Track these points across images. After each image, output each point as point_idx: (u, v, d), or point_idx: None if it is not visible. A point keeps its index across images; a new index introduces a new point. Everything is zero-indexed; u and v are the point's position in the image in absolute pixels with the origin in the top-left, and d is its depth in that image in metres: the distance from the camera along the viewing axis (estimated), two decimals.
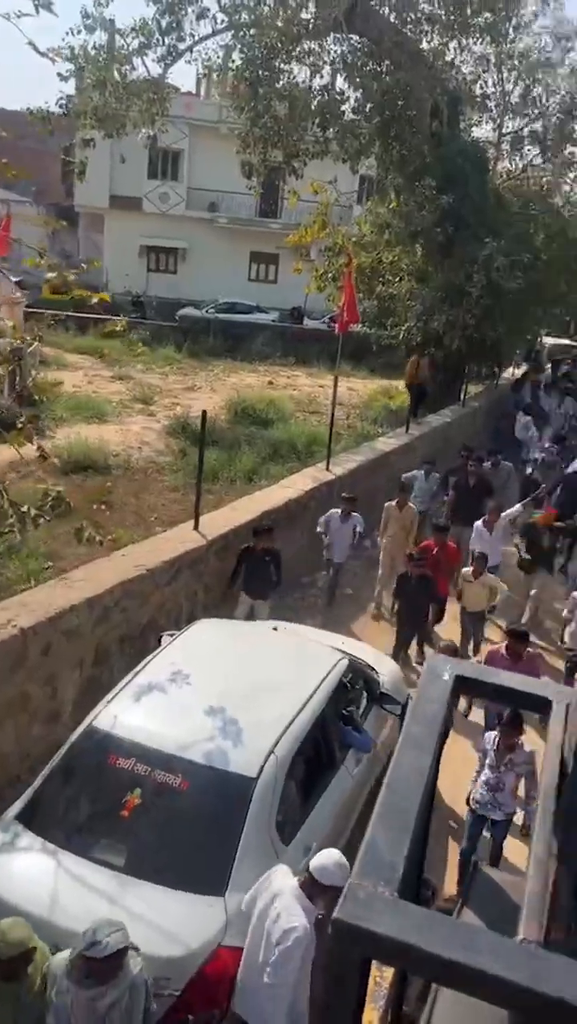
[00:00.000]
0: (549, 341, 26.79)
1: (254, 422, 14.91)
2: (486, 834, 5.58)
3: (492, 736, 5.50)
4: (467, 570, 8.21)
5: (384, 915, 1.40)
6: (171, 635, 5.77)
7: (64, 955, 3.18)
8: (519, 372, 22.62)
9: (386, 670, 6.31)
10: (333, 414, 10.65)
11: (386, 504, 9.61)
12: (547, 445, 14.32)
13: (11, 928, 3.07)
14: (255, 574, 7.70)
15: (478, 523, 9.47)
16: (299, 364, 24.65)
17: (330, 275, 17.77)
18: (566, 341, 29.86)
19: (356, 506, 9.05)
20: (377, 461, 11.52)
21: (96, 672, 6.48)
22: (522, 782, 5.47)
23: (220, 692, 4.63)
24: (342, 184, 20.08)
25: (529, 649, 6.51)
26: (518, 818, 5.67)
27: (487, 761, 5.46)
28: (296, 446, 13.20)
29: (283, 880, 3.55)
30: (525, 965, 1.36)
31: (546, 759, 2.03)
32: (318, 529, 9.01)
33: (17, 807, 4.14)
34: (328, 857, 3.50)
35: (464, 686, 2.24)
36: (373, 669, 6.01)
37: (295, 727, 4.48)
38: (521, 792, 5.55)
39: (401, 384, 19.26)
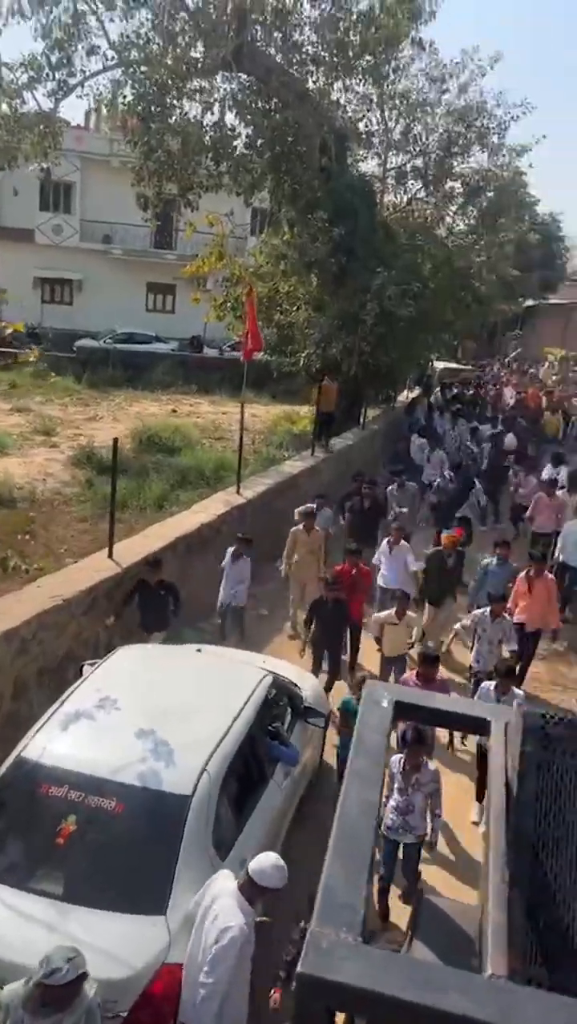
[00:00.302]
0: (439, 365, 28.01)
1: (160, 450, 14.92)
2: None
3: (398, 759, 5.36)
4: (388, 613, 7.90)
5: (349, 963, 1.35)
6: (92, 664, 5.76)
7: (15, 986, 3.15)
8: (412, 395, 23.52)
9: (308, 685, 6.49)
10: (241, 439, 10.86)
11: (293, 529, 9.55)
12: (445, 473, 14.69)
13: None
14: (149, 607, 7.65)
15: (384, 543, 9.60)
16: (201, 392, 24.82)
17: (229, 304, 18.09)
18: (454, 364, 31.33)
19: (251, 547, 8.82)
20: (286, 483, 11.78)
21: (15, 707, 6.37)
22: (428, 801, 5.39)
23: (149, 715, 4.69)
24: (236, 216, 20.57)
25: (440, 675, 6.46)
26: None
27: (395, 784, 5.33)
28: (204, 472, 13.30)
29: (223, 883, 3.65)
30: (495, 1002, 1.34)
31: (492, 783, 2.01)
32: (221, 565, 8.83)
33: None
34: (266, 860, 3.62)
35: (403, 712, 2.22)
36: (296, 685, 6.17)
37: (225, 744, 4.58)
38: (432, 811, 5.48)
39: (303, 409, 19.73)
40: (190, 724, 4.66)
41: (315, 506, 10.11)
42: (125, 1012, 3.46)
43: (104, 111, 18.18)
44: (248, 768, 4.78)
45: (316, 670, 7.96)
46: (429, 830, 5.45)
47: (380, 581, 9.38)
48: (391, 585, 9.14)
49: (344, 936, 1.42)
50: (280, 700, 5.68)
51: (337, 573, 8.47)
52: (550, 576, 9.12)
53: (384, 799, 5.23)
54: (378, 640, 8.00)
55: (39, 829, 4.05)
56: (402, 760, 5.31)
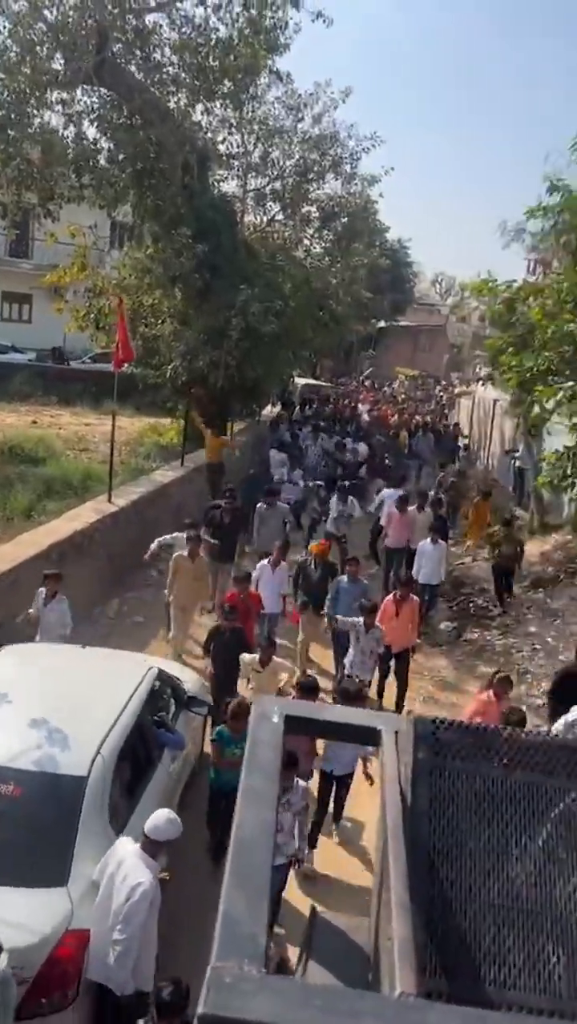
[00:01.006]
0: (300, 381, 29.04)
1: (23, 461, 14.71)
2: None
3: None
4: (252, 657, 7.23)
5: (253, 998, 1.26)
6: None
7: None
8: (275, 411, 24.29)
9: (188, 678, 6.82)
10: (113, 448, 11.05)
11: (176, 555, 9.22)
12: (313, 483, 15.05)
13: None
14: None
15: (263, 562, 9.41)
16: (61, 404, 24.42)
17: (92, 316, 18.08)
18: (313, 381, 32.55)
19: (60, 584, 7.66)
20: (156, 492, 12.03)
21: None
22: (297, 820, 5.24)
23: (41, 706, 4.86)
24: (98, 229, 20.59)
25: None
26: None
27: None
28: (71, 482, 13.29)
29: (125, 847, 3.94)
30: (409, 1022, 1.31)
31: (386, 794, 1.91)
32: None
33: None
34: (159, 816, 3.96)
35: (295, 725, 2.15)
36: (178, 679, 6.47)
37: (116, 730, 4.84)
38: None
39: (168, 422, 19.96)
40: (82, 713, 4.89)
41: (196, 532, 9.47)
42: (30, 977, 3.66)
43: None
44: (137, 753, 5.05)
45: (217, 699, 7.06)
46: (297, 849, 5.29)
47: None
48: (272, 610, 9.13)
49: (247, 969, 1.31)
50: (165, 692, 5.98)
51: (229, 602, 8.24)
52: (415, 598, 9.17)
53: None
54: (247, 680, 7.36)
55: None
56: None
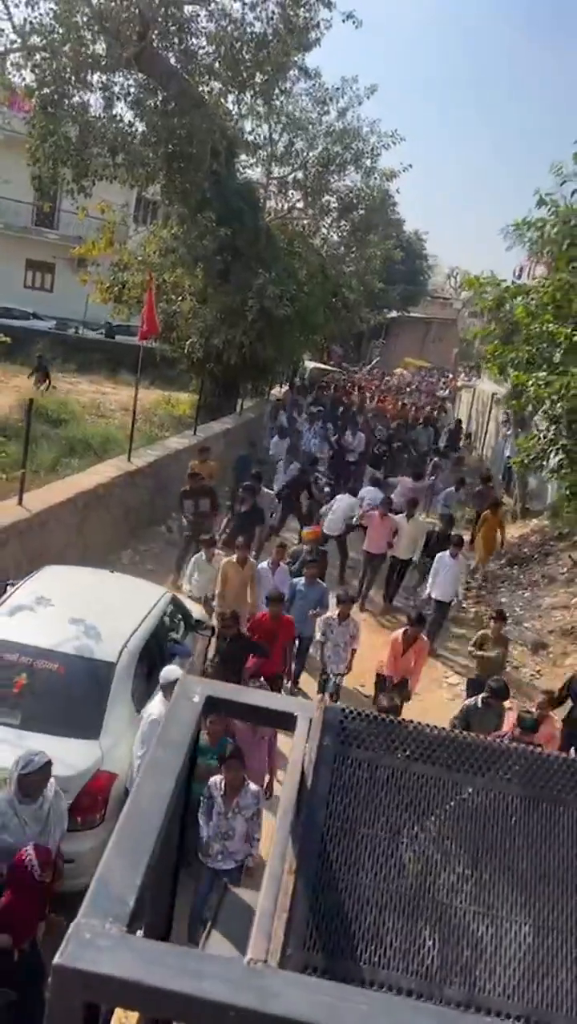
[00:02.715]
0: (310, 365, 29.98)
1: (46, 422, 15.74)
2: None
3: (218, 780, 5.09)
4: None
5: (108, 953, 1.31)
6: (12, 583, 6.88)
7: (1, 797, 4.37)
8: (283, 391, 25.26)
9: (195, 609, 7.90)
10: (135, 413, 12.08)
11: (224, 561, 8.67)
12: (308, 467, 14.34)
13: None
14: None
15: (262, 565, 8.95)
16: (79, 371, 25.42)
17: (115, 289, 19.07)
18: (323, 365, 33.49)
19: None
20: (171, 456, 13.09)
21: None
22: (248, 825, 5.12)
23: (79, 610, 5.96)
24: (120, 202, 21.51)
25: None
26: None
27: (214, 808, 5.07)
28: (91, 443, 14.34)
29: (156, 703, 5.09)
30: (250, 986, 1.33)
31: (288, 773, 1.97)
32: None
33: None
34: (167, 668, 5.22)
35: (214, 706, 2.21)
36: (187, 607, 7.57)
37: (140, 631, 5.95)
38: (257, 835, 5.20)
39: (183, 396, 20.99)
40: (112, 617, 5.98)
41: (246, 539, 8.97)
42: (72, 799, 4.76)
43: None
44: (153, 653, 6.13)
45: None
46: (249, 855, 5.18)
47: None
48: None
49: (109, 927, 1.36)
50: (177, 613, 7.07)
51: (256, 622, 7.68)
52: (425, 640, 8.18)
53: (202, 826, 5.09)
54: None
55: None
56: (222, 782, 5.04)
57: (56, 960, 1.28)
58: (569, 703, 7.25)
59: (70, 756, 4.90)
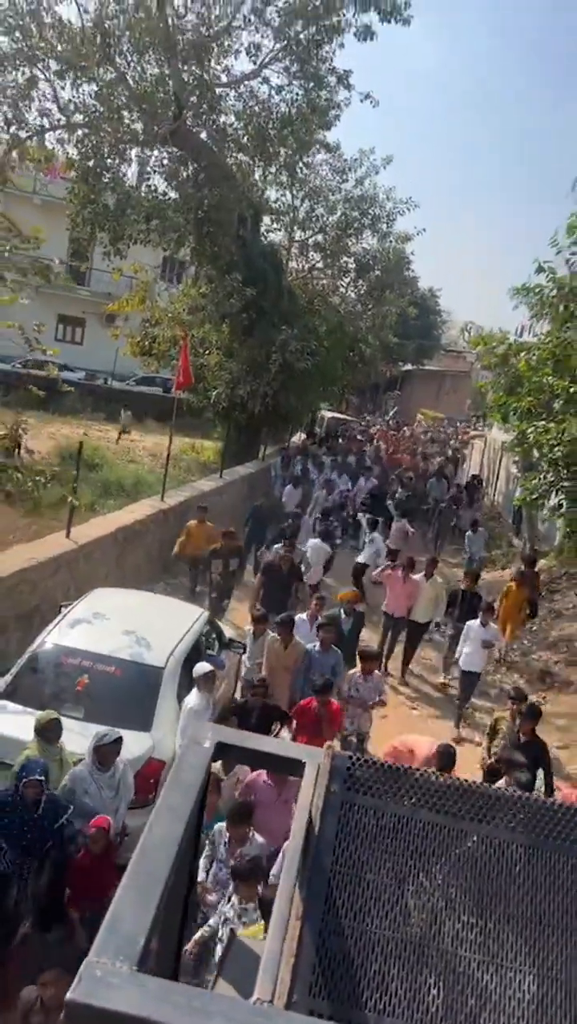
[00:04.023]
0: (328, 415, 31.13)
1: (84, 466, 16.74)
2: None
3: (220, 827, 5.18)
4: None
5: (119, 991, 1.35)
6: (66, 605, 7.74)
7: (80, 767, 5.18)
8: (291, 442, 26.27)
9: (228, 631, 8.72)
10: (168, 456, 13.05)
11: (269, 639, 8.20)
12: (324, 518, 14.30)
13: (45, 715, 5.10)
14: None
15: (301, 616, 8.73)
16: (108, 420, 26.66)
17: (146, 343, 20.33)
18: (340, 415, 34.65)
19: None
20: (199, 497, 14.01)
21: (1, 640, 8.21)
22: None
23: (130, 624, 6.80)
24: (147, 262, 22.97)
25: None
26: None
27: (216, 855, 5.11)
28: (124, 486, 15.32)
29: (193, 696, 5.93)
30: None
31: (295, 819, 2.01)
32: None
33: None
34: (199, 665, 6.14)
35: (224, 752, 2.24)
36: (220, 628, 8.39)
37: (183, 643, 6.78)
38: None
39: (207, 443, 22.05)
40: (159, 630, 6.81)
41: (287, 617, 8.24)
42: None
43: (42, 161, 20.26)
44: (193, 662, 6.91)
45: None
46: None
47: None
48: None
49: (119, 966, 1.41)
50: (213, 632, 7.89)
51: (300, 709, 7.07)
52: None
53: (203, 872, 5.07)
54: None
55: (64, 681, 6.06)
56: (226, 831, 5.10)
57: (68, 996, 1.33)
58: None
59: (126, 745, 5.67)
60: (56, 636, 6.48)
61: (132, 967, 1.41)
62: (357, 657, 8.22)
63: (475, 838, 2.06)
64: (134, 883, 1.61)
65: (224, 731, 2.36)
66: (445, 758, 6.09)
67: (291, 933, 1.82)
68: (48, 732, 5.21)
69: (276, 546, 11.17)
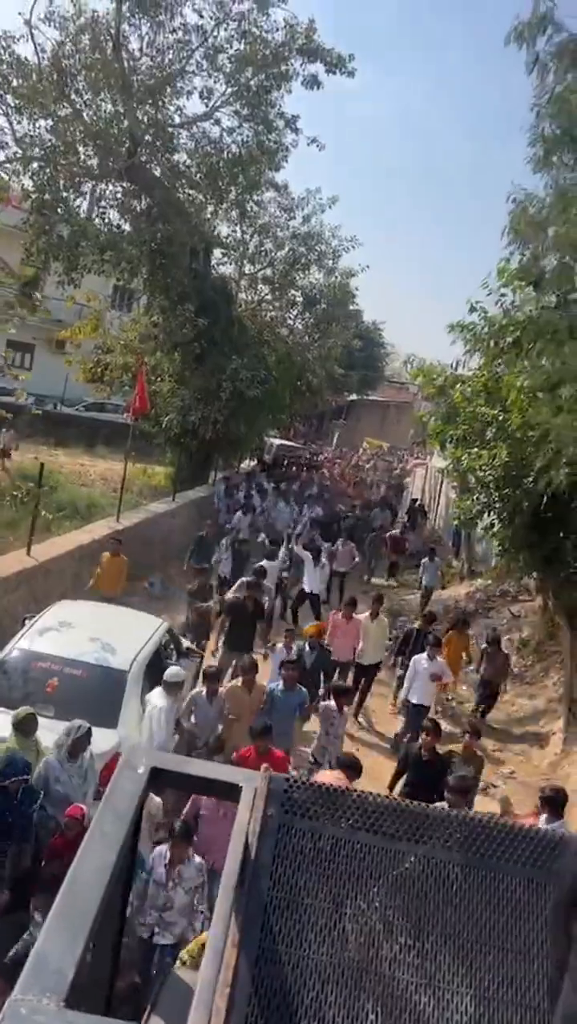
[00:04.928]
0: (276, 442, 31.85)
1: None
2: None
3: (162, 850, 5.09)
4: (157, 802, 5.68)
5: None
6: (29, 616, 8.11)
7: (51, 756, 5.60)
8: (252, 464, 26.96)
9: (186, 642, 9.20)
10: (124, 479, 13.51)
11: (230, 684, 7.93)
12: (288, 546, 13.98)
13: (22, 710, 5.52)
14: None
15: (279, 646, 8.84)
16: (57, 445, 26.87)
17: (98, 370, 20.78)
18: (288, 442, 35.43)
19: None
20: (152, 519, 14.49)
21: None
22: (194, 898, 5.02)
23: (94, 631, 7.25)
24: (103, 292, 23.48)
25: None
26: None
27: (153, 878, 5.03)
28: (78, 507, 15.67)
29: (156, 691, 6.40)
30: None
31: (231, 844, 1.96)
32: None
33: None
34: (171, 670, 6.66)
35: (159, 777, 2.18)
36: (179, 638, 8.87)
37: (146, 649, 7.26)
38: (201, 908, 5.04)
39: (158, 468, 22.47)
40: (122, 637, 7.28)
41: (251, 660, 7.89)
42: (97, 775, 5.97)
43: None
44: (154, 667, 7.37)
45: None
46: (190, 930, 4.94)
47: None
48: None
49: (46, 1002, 1.35)
50: (172, 641, 8.36)
51: (239, 758, 6.30)
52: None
53: (136, 900, 4.94)
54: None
55: (35, 684, 6.48)
56: (167, 850, 5.05)
57: None
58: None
59: (95, 741, 6.10)
60: (26, 643, 6.90)
61: (59, 1003, 1.37)
62: (330, 693, 8.03)
63: (412, 859, 2.03)
64: (63, 915, 1.55)
65: (159, 756, 2.33)
66: (351, 768, 5.98)
67: (226, 961, 1.77)
68: (25, 726, 5.63)
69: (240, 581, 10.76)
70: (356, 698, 10.05)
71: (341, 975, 1.84)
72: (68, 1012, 1.36)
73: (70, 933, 1.51)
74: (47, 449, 25.82)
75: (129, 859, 2.17)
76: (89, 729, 5.58)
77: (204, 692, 7.40)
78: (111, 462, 24.89)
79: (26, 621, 8.03)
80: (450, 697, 11.61)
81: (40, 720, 6.06)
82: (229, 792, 2.22)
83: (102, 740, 6.18)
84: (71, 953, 1.46)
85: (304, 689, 7.93)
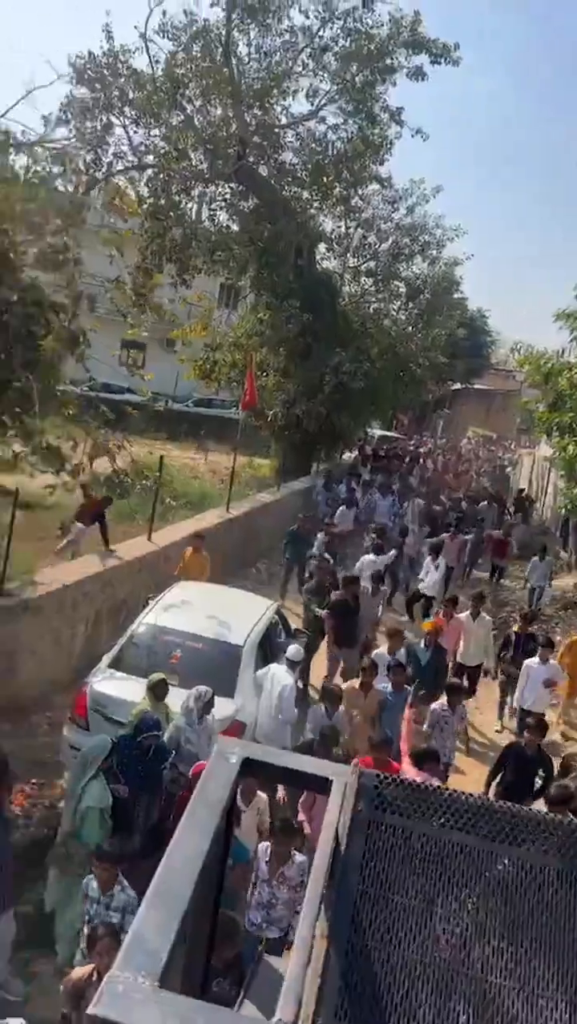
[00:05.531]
0: (377, 433, 32.00)
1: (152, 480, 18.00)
2: None
3: (265, 847, 5.17)
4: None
5: (139, 1006, 1.35)
6: (152, 597, 8.79)
7: (180, 719, 6.20)
8: (353, 455, 27.19)
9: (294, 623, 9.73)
10: (233, 470, 14.17)
11: (346, 686, 7.95)
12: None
13: (156, 675, 6.18)
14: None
15: (381, 651, 8.71)
16: (168, 440, 28.05)
17: (207, 367, 21.61)
18: (390, 433, 35.50)
19: None
20: (261, 508, 15.15)
21: (95, 632, 9.31)
22: (295, 894, 5.01)
23: (212, 610, 7.86)
24: (212, 292, 24.34)
25: None
26: None
27: (259, 876, 5.14)
28: (191, 498, 16.50)
29: (277, 667, 6.88)
30: None
31: (321, 838, 1.98)
32: None
33: (106, 662, 7.13)
34: (292, 648, 6.97)
35: (251, 768, 2.20)
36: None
37: (258, 626, 7.83)
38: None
39: (264, 461, 23.16)
40: (237, 615, 7.88)
41: (371, 661, 7.95)
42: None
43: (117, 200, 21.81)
44: (265, 644, 7.92)
45: None
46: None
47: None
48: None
49: (141, 981, 1.40)
50: (281, 622, 8.90)
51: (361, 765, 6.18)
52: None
53: (248, 896, 5.16)
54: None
55: (161, 655, 7.14)
56: (269, 850, 5.12)
57: (90, 1009, 1.36)
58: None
59: (217, 707, 6.69)
60: (152, 618, 7.58)
61: (154, 983, 1.40)
62: (444, 691, 7.94)
63: (506, 861, 2.01)
64: (157, 899, 1.60)
65: (251, 747, 2.34)
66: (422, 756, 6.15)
67: (316, 954, 1.79)
68: (158, 690, 6.28)
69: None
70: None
71: (432, 974, 1.83)
72: (162, 992, 1.40)
73: (164, 916, 1.55)
74: (159, 443, 27.09)
75: (222, 846, 2.18)
76: (213, 695, 6.15)
77: (323, 708, 7.22)
78: (218, 455, 25.83)
79: (149, 601, 8.74)
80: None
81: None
82: (319, 785, 2.23)
83: (221, 707, 6.75)
84: (165, 936, 1.51)
85: (409, 688, 8.02)
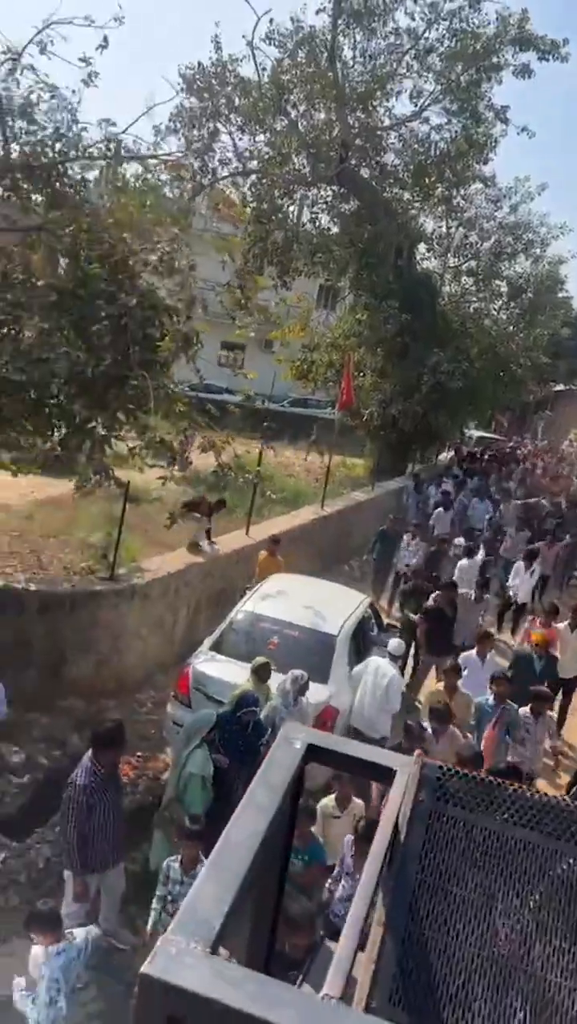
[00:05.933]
0: (475, 434, 31.62)
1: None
2: None
3: (349, 840, 5.30)
4: (327, 803, 6.04)
5: (190, 969, 1.39)
6: (249, 587, 9.17)
7: (277, 700, 6.54)
8: (450, 455, 26.99)
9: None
10: (329, 469, 14.45)
11: (431, 689, 8.17)
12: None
13: (261, 658, 6.57)
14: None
15: (470, 653, 8.49)
16: (273, 439, 28.62)
17: (305, 367, 21.96)
18: (488, 435, 34.98)
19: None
20: (354, 506, 15.40)
21: (195, 619, 9.80)
22: None
23: (307, 600, 8.17)
24: (309, 293, 24.65)
25: None
26: None
27: (344, 870, 5.26)
28: (286, 495, 16.88)
29: (378, 657, 7.14)
30: (322, 1019, 1.39)
31: (380, 826, 1.98)
32: None
33: (207, 645, 7.55)
34: (394, 642, 7.15)
35: (315, 754, 2.21)
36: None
37: (352, 618, 8.08)
38: None
39: (358, 461, 23.33)
40: (331, 607, 8.15)
41: (455, 664, 7.96)
42: (311, 721, 6.83)
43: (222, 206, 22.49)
44: (358, 636, 8.16)
45: None
46: None
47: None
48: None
49: (193, 946, 1.43)
50: (373, 616, 9.12)
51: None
52: None
53: (328, 892, 5.36)
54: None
55: (258, 641, 7.50)
56: (351, 843, 5.25)
57: (142, 969, 1.38)
58: None
59: (309, 693, 6.99)
60: (250, 606, 7.96)
61: (206, 949, 1.44)
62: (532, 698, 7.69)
63: (571, 860, 1.98)
64: (213, 871, 1.65)
65: (315, 733, 2.34)
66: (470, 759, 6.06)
67: (372, 940, 1.82)
68: (261, 672, 6.66)
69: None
70: (557, 715, 9.24)
71: (489, 968, 1.83)
72: (213, 958, 1.44)
73: (219, 889, 1.59)
74: (254, 443, 27.68)
75: (285, 830, 2.20)
76: (308, 679, 6.45)
77: (429, 730, 6.88)
78: (312, 454, 26.18)
79: (247, 591, 9.13)
80: None
81: None
82: (382, 775, 2.25)
83: (315, 693, 7.05)
84: (219, 906, 1.54)
85: (514, 705, 7.51)
